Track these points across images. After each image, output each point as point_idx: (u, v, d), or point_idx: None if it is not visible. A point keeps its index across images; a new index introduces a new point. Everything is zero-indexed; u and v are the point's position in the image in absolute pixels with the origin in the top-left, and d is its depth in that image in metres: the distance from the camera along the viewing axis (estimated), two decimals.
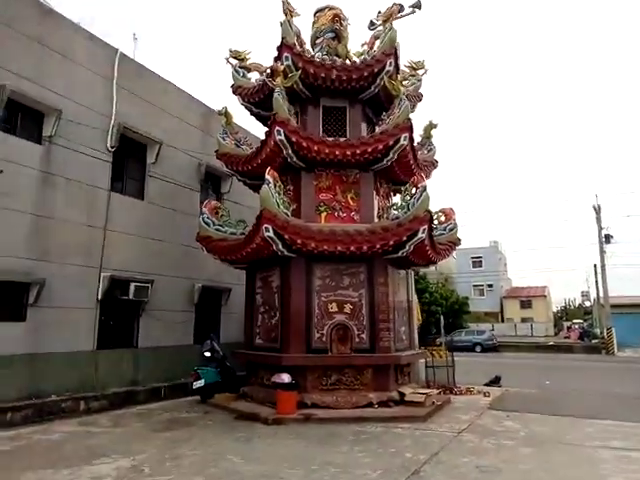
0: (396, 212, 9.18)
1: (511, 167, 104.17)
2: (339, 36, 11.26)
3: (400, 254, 9.03)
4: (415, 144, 11.68)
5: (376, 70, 9.83)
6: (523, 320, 50.68)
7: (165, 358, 11.54)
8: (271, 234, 8.38)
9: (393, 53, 9.89)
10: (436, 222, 11.30)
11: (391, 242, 8.69)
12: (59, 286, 9.30)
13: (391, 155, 9.51)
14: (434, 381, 13.08)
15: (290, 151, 9.30)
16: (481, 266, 55.83)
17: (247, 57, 11.52)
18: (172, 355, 11.72)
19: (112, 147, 10.73)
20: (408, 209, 8.90)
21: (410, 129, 9.32)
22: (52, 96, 9.43)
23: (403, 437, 7.02)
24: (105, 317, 10.39)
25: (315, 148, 9.17)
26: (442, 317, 32.08)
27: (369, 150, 9.29)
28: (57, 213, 9.47)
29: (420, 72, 12.12)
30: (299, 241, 8.52)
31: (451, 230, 11.17)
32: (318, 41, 11.30)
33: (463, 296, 41.07)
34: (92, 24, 13.31)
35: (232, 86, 11.37)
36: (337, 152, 9.25)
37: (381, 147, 9.30)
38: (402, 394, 9.17)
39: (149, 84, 11.97)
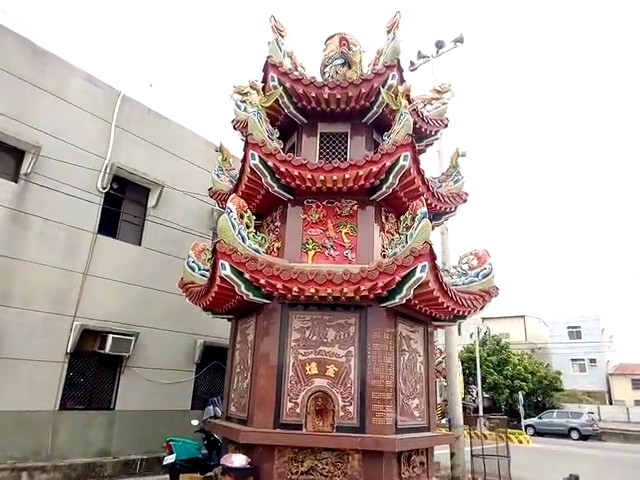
0: (396, 249, 7.25)
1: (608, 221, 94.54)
2: (349, 62, 10.01)
3: (398, 300, 6.98)
4: (442, 174, 9.93)
5: (376, 85, 8.36)
6: (637, 403, 42.75)
7: (150, 425, 10.06)
8: (228, 272, 6.83)
9: (396, 65, 8.40)
10: (466, 267, 9.13)
11: (380, 284, 6.71)
12: (16, 334, 8.39)
13: (391, 180, 7.74)
14: (484, 475, 10.22)
15: (269, 179, 7.91)
16: (580, 337, 48.96)
17: (250, 92, 10.65)
18: (160, 422, 10.22)
19: (104, 188, 10.15)
20: (406, 242, 6.96)
21: (412, 146, 7.55)
22: (32, 133, 9.09)
23: None
24: (75, 372, 9.25)
25: (295, 173, 7.70)
26: (520, 394, 27.43)
27: (361, 174, 7.62)
28: (26, 254, 8.77)
29: (446, 96, 10.45)
30: (262, 281, 6.86)
31: (485, 276, 8.86)
32: (326, 69, 10.18)
33: (555, 370, 35.44)
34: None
35: (232, 121, 10.50)
36: (322, 177, 7.69)
37: (376, 170, 7.59)
38: None
39: (155, 126, 11.54)
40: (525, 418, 30.01)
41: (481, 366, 32.61)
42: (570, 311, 49.96)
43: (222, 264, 6.83)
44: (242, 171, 8.21)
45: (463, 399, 34.62)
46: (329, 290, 6.81)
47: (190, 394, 11.21)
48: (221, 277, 6.98)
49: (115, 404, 9.74)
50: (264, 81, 8.76)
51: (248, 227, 7.41)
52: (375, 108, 8.72)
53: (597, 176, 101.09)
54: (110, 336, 9.44)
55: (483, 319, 58.27)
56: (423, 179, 8.13)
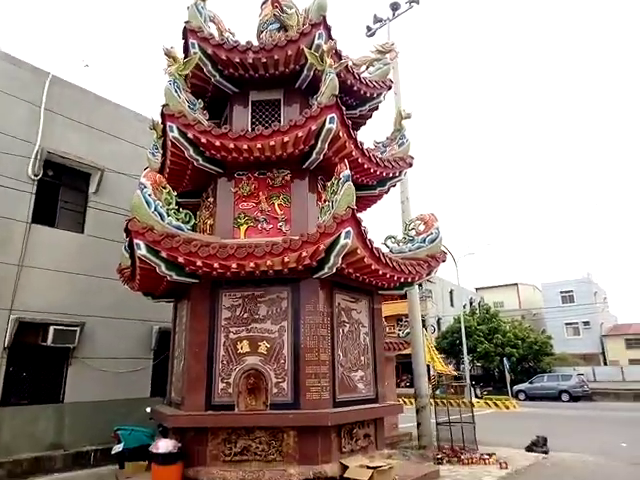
0: (325, 217, 6.87)
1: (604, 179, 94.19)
2: (284, 26, 9.50)
3: (328, 270, 6.65)
4: (386, 138, 9.50)
5: (302, 46, 7.88)
6: (632, 362, 42.93)
7: (106, 415, 9.73)
8: (144, 252, 6.47)
9: (322, 23, 7.91)
10: (413, 232, 8.80)
11: (304, 253, 6.37)
12: None
13: (320, 145, 7.34)
14: (451, 442, 10.04)
15: (192, 152, 7.49)
16: (572, 301, 49.02)
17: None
18: (117, 411, 9.91)
19: (35, 175, 9.67)
20: (332, 209, 6.59)
21: (338, 108, 7.12)
22: None
23: None
24: (16, 367, 8.95)
25: (217, 144, 7.28)
26: (506, 360, 27.35)
27: (286, 140, 7.21)
28: None
29: (389, 56, 9.96)
30: (181, 259, 6.51)
31: (432, 241, 8.56)
32: (262, 35, 9.67)
33: (546, 335, 35.46)
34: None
35: None
36: (246, 146, 7.28)
37: (302, 135, 7.19)
38: (345, 468, 6.51)
39: (92, 108, 10.99)
40: (516, 384, 30.10)
41: (471, 336, 32.59)
42: (562, 276, 50.00)
43: (137, 244, 6.46)
44: (164, 146, 7.81)
45: (457, 370, 34.75)
46: (252, 264, 6.47)
47: (149, 381, 10.92)
48: (139, 258, 6.62)
49: (64, 397, 9.44)
50: (185, 49, 8.28)
51: (169, 203, 7.01)
52: (306, 71, 8.27)
53: (582, 132, 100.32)
54: (51, 328, 9.09)
55: (477, 289, 58.44)
56: (356, 143, 7.72)
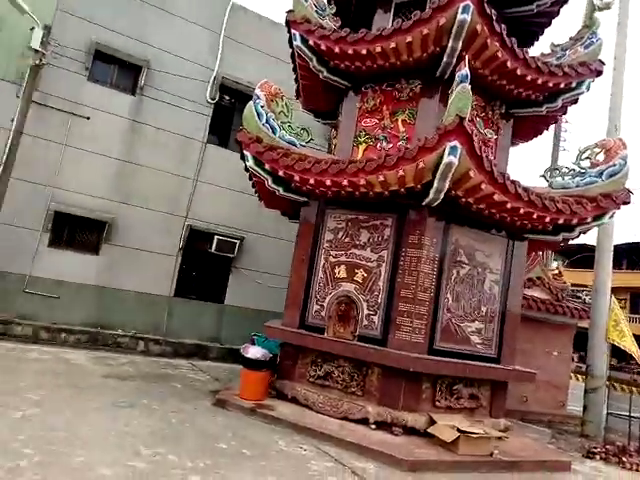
0: None
1: None
2: None
3: (433, 196, 5.57)
4: (569, 39, 7.32)
5: None
6: None
7: (258, 322, 10.75)
8: (251, 164, 6.51)
9: None
10: (587, 163, 6.73)
11: (400, 172, 5.43)
12: (137, 229, 9.83)
13: (451, 44, 5.98)
14: (628, 439, 8.01)
15: (316, 62, 7.03)
16: None
17: None
18: (267, 321, 10.88)
19: (212, 99, 10.68)
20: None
21: None
22: (145, 49, 9.97)
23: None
24: (187, 267, 10.45)
25: (336, 50, 6.62)
26: None
27: (408, 40, 6.05)
28: (142, 160, 9.99)
29: None
30: (281, 172, 6.32)
31: (611, 176, 6.40)
32: None
33: None
34: None
35: None
36: (364, 50, 6.41)
37: (427, 31, 5.90)
38: (433, 422, 5.70)
39: (267, 34, 11.37)
40: None
41: None
42: None
43: (246, 155, 6.56)
44: (293, 59, 7.54)
45: None
46: (345, 182, 5.88)
47: None
48: (250, 171, 6.74)
49: (225, 298, 10.75)
50: None
51: (286, 116, 6.85)
52: None
53: None
54: (215, 237, 10.27)
55: None
56: (503, 41, 6.05)
